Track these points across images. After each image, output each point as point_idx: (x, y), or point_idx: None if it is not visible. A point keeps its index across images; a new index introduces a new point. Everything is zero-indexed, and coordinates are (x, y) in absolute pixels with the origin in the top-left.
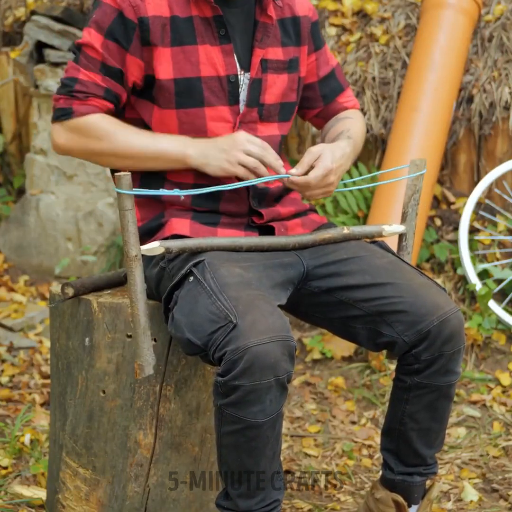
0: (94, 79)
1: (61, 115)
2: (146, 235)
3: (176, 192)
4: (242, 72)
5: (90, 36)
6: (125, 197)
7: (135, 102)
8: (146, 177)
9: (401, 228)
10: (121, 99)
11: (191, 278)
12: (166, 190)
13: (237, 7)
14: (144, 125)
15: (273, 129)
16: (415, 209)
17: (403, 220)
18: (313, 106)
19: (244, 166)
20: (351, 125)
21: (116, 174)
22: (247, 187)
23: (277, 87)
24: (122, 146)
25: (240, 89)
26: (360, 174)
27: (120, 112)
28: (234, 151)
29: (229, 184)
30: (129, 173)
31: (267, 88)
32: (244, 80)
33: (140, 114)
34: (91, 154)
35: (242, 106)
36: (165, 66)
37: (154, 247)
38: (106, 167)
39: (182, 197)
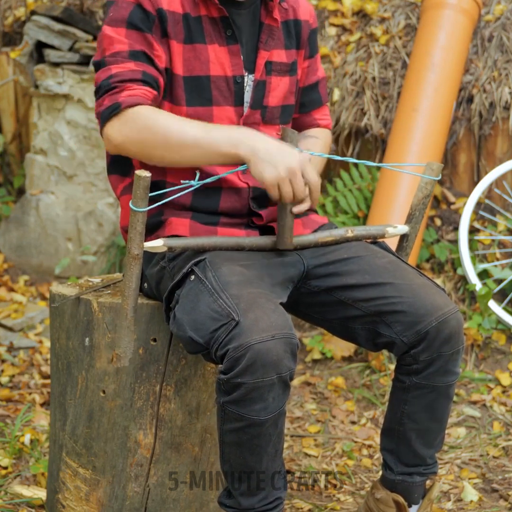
0: (127, 67)
1: (110, 112)
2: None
3: (187, 183)
4: (246, 74)
5: (113, 33)
6: (140, 198)
7: None
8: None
9: (405, 228)
10: (160, 83)
11: (193, 276)
12: (174, 187)
13: (244, 9)
14: None
15: (274, 132)
16: (422, 213)
17: (409, 221)
18: None
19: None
20: (312, 145)
21: (136, 172)
22: (248, 189)
23: (280, 89)
24: (176, 137)
25: (244, 91)
26: (360, 174)
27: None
28: (292, 166)
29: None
30: (149, 174)
31: (271, 90)
32: (248, 82)
33: None
34: (145, 147)
35: (245, 108)
36: (178, 62)
37: (157, 245)
38: (158, 163)
39: (196, 179)
